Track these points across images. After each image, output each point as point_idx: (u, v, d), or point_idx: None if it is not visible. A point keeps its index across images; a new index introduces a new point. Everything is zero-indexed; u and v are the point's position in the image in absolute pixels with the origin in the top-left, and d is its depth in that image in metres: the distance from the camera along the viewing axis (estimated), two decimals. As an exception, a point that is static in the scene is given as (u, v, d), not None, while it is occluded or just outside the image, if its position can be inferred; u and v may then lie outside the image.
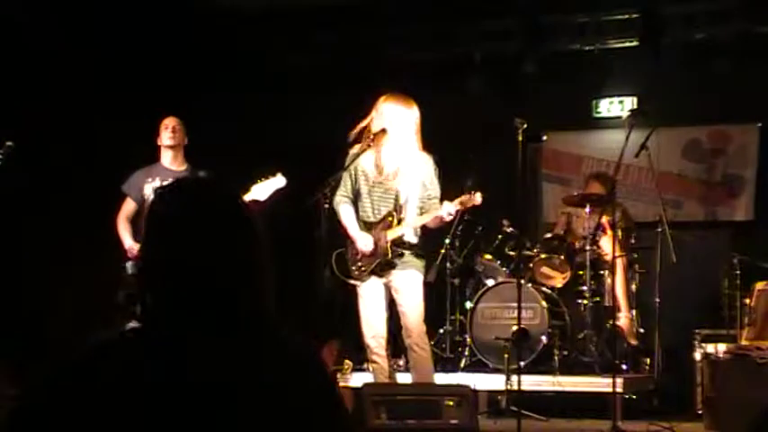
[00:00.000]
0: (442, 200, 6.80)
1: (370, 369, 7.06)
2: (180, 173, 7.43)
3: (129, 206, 7.46)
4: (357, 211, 6.94)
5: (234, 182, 2.51)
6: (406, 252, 6.80)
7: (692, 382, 8.29)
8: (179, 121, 7.54)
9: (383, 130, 6.75)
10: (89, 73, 9.58)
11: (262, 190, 7.18)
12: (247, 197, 7.17)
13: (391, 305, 6.91)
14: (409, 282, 6.81)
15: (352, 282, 6.93)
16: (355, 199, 6.95)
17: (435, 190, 6.83)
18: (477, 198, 6.70)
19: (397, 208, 6.79)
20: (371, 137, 6.78)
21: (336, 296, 7.46)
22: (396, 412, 5.73)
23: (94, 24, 9.49)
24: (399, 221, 6.78)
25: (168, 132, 7.46)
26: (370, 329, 6.84)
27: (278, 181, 7.20)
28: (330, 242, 7.02)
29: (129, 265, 7.33)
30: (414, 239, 6.83)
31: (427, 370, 6.87)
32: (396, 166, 6.78)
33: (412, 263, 6.82)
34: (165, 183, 7.23)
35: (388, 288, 6.86)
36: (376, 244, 6.79)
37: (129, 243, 7.34)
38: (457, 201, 6.68)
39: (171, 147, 7.49)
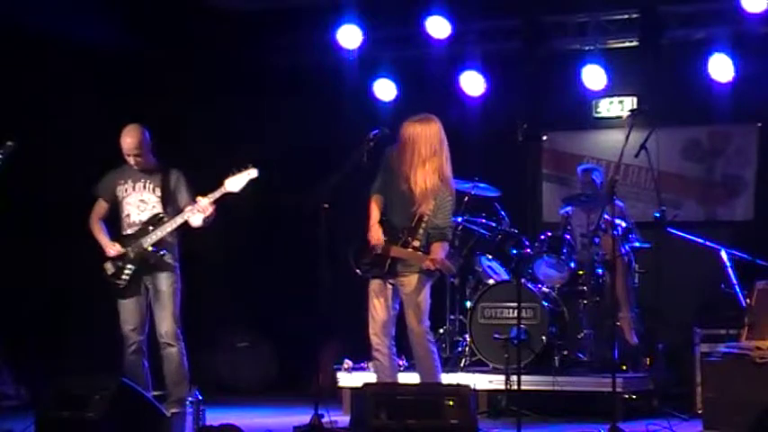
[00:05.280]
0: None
1: (372, 365, 7.07)
2: (152, 173, 7.40)
3: (101, 207, 7.49)
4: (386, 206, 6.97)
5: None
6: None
7: (692, 382, 8.29)
8: (135, 137, 7.32)
9: (405, 151, 6.79)
10: (84, 74, 9.60)
11: (235, 182, 7.19)
12: (221, 191, 7.18)
13: (401, 304, 6.95)
14: (414, 284, 6.82)
15: (357, 272, 6.96)
16: (385, 194, 6.95)
17: (443, 220, 6.82)
18: (454, 270, 7.11)
19: (410, 228, 6.80)
20: (398, 156, 6.83)
21: (336, 296, 7.48)
22: (396, 412, 5.72)
23: (85, 25, 9.52)
24: (405, 244, 6.81)
25: (131, 159, 7.35)
26: (374, 326, 6.94)
27: (250, 173, 7.20)
28: (330, 242, 7.04)
29: (108, 265, 7.37)
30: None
31: (430, 370, 6.89)
32: (416, 186, 6.78)
33: (413, 267, 6.82)
34: (137, 185, 7.05)
35: (395, 286, 6.90)
36: (382, 251, 6.82)
37: (106, 243, 7.39)
38: (440, 264, 6.71)
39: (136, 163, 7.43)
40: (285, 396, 9.61)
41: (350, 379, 8.58)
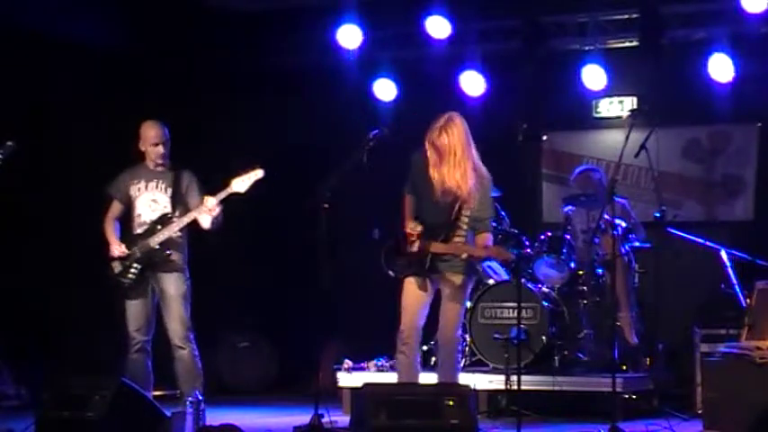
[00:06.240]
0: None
1: (398, 361, 7.00)
2: (164, 173, 7.43)
3: (115, 208, 7.51)
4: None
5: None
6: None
7: (692, 382, 8.29)
8: (158, 128, 7.37)
9: (440, 162, 6.79)
10: (84, 75, 9.60)
11: (241, 183, 7.20)
12: (227, 191, 7.19)
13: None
14: (458, 284, 6.83)
15: (390, 273, 6.95)
16: (417, 198, 6.96)
17: (485, 211, 6.82)
18: (511, 256, 7.02)
19: (450, 224, 6.79)
20: (431, 167, 6.84)
21: (336, 296, 7.48)
22: (396, 412, 5.72)
23: (85, 26, 9.53)
24: (446, 239, 6.79)
25: (157, 148, 7.37)
26: (402, 320, 6.87)
27: (257, 173, 7.21)
28: (330, 242, 7.05)
29: (115, 264, 7.39)
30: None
31: (448, 372, 6.89)
32: (458, 189, 6.77)
33: (458, 267, 6.82)
34: (150, 185, 7.03)
35: (435, 284, 6.91)
36: (421, 250, 6.80)
37: (113, 244, 7.40)
38: (495, 251, 6.85)
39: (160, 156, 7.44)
40: (285, 396, 9.62)
41: (350, 379, 8.58)
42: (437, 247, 6.74)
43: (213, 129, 10.53)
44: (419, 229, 6.77)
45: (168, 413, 6.43)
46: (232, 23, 10.49)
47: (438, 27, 10.02)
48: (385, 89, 10.51)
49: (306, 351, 8.10)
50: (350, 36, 10.25)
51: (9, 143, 7.14)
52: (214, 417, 6.55)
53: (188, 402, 6.39)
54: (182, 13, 10.01)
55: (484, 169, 6.88)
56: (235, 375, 10.32)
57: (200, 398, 6.39)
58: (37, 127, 9.06)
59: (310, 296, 7.35)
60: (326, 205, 7.04)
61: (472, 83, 10.17)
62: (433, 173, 6.81)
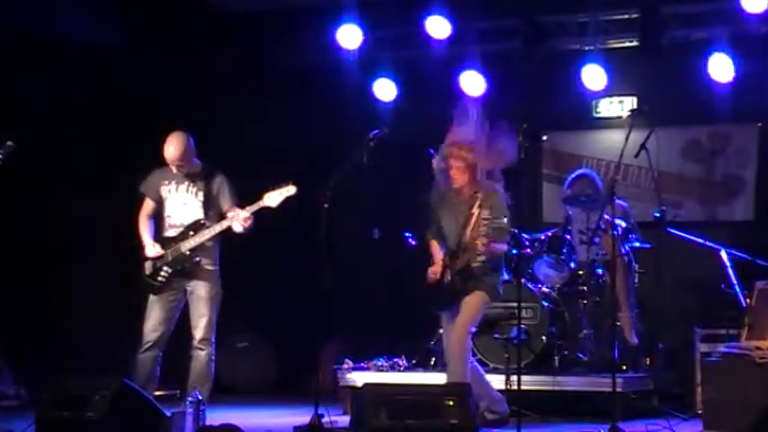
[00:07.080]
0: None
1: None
2: (195, 176, 7.47)
3: (148, 206, 7.56)
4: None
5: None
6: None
7: (692, 382, 8.29)
8: (178, 147, 7.39)
9: (445, 169, 7.11)
10: (84, 74, 9.60)
11: (274, 198, 7.27)
12: (258, 204, 7.25)
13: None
14: (473, 296, 7.17)
15: (438, 314, 7.40)
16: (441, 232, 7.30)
17: (500, 221, 7.08)
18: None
19: (470, 232, 7.03)
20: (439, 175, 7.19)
21: (336, 296, 7.48)
22: (396, 412, 5.72)
23: (85, 26, 9.53)
24: (464, 250, 7.06)
25: (172, 167, 7.41)
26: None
27: (289, 189, 7.27)
28: (330, 242, 7.06)
29: (147, 264, 7.43)
30: (482, 262, 7.04)
31: (456, 370, 7.14)
32: (459, 198, 7.09)
33: (480, 283, 7.15)
34: (180, 187, 7.16)
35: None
36: (452, 271, 7.14)
37: (148, 243, 7.44)
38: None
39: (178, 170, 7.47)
40: (285, 396, 9.61)
41: (350, 379, 8.58)
42: (460, 262, 7.08)
43: (213, 129, 10.52)
44: (439, 267, 7.16)
45: (168, 413, 6.43)
46: (232, 23, 10.49)
47: (438, 27, 10.02)
48: (385, 89, 10.51)
49: (306, 351, 8.10)
50: (350, 36, 10.25)
51: (9, 143, 7.15)
52: (214, 417, 6.55)
53: (188, 402, 6.39)
54: (182, 13, 10.00)
55: (490, 184, 7.17)
56: (235, 376, 10.32)
57: (200, 397, 6.39)
58: (37, 127, 9.05)
59: (310, 296, 7.35)
60: (326, 205, 7.05)
61: (472, 83, 10.16)
62: (444, 186, 7.13)
